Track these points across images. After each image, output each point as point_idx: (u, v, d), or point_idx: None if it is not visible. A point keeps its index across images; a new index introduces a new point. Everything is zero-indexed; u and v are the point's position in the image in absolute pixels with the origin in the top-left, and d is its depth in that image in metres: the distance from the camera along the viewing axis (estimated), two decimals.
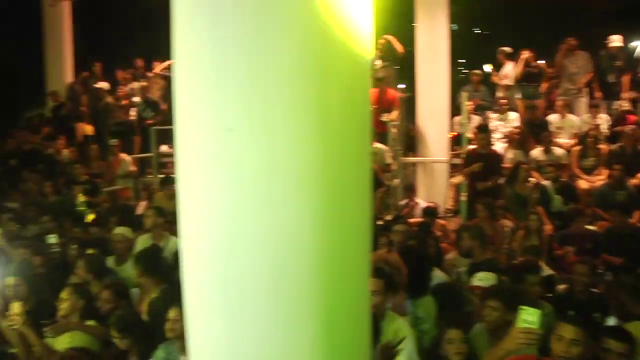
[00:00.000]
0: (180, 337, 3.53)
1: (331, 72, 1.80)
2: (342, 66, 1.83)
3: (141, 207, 8.19)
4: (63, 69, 12.90)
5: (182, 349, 3.58)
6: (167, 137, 10.63)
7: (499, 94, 10.18)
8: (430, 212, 7.40)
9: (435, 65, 9.44)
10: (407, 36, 10.05)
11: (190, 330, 2.03)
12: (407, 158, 9.63)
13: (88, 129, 9.69)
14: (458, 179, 8.39)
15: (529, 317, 2.91)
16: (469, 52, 16.72)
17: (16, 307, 4.12)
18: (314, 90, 1.77)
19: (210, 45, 1.78)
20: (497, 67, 10.77)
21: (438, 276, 5.09)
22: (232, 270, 1.83)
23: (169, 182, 7.83)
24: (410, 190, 8.66)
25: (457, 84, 10.85)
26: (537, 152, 8.66)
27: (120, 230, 5.86)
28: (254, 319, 1.82)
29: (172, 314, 3.67)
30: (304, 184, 1.79)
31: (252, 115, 1.76)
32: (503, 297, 3.72)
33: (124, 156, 9.72)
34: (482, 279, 4.38)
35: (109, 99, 11.17)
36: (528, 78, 10.03)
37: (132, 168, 9.69)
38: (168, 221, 6.00)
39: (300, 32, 1.75)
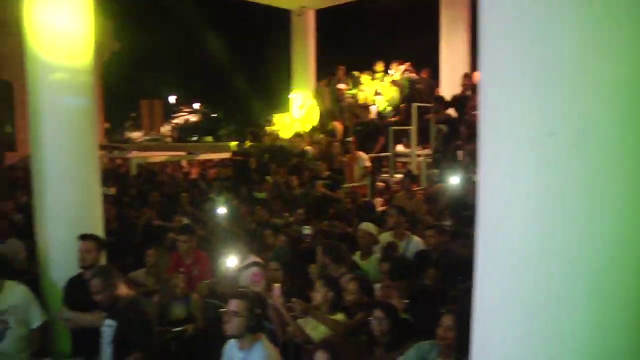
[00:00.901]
0: (449, 344, 3.44)
1: None
2: None
3: (377, 204, 8.42)
4: (308, 72, 13.88)
5: (445, 354, 3.49)
6: (403, 137, 10.82)
7: None
8: None
9: None
10: None
11: (477, 332, 1.97)
12: None
13: (340, 127, 10.26)
14: None
15: None
16: None
17: (276, 289, 4.45)
18: None
19: (532, 42, 1.66)
20: None
21: None
22: (542, 274, 1.72)
23: (410, 182, 7.86)
24: None
25: None
26: None
27: (365, 227, 6.00)
28: (561, 325, 1.70)
29: (447, 320, 3.53)
30: (629, 192, 1.63)
31: (579, 119, 1.61)
32: None
33: (361, 154, 10.05)
34: None
35: (349, 100, 11.67)
36: None
37: (368, 164, 9.98)
38: (408, 220, 6.02)
39: (635, 24, 1.56)
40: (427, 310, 4.33)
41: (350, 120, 10.97)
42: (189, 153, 15.11)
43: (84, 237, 4.85)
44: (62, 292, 4.97)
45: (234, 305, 3.68)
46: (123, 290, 4.19)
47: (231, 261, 5.34)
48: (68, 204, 5.32)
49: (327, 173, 9.38)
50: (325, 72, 13.43)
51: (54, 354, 5.01)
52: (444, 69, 12.61)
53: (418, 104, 10.45)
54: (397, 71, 11.83)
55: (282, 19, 14.57)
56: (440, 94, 10.54)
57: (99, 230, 5.39)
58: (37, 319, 4.69)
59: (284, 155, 10.21)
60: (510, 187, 1.77)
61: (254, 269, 5.06)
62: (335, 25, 16.49)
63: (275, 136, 10.94)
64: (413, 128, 10.34)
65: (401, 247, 5.71)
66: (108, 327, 4.12)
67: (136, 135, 28.99)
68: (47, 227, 5.38)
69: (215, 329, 5.11)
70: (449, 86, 11.81)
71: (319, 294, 4.50)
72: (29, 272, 5.64)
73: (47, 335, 4.99)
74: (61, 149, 5.30)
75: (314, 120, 11.57)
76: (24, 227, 6.60)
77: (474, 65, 11.87)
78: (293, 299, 4.41)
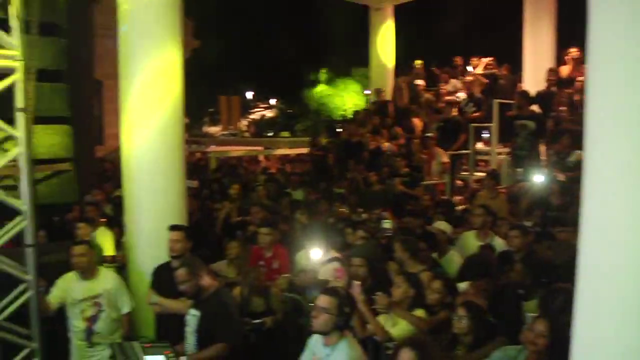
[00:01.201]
0: (539, 351, 3.30)
1: None
2: None
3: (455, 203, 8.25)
4: (386, 68, 13.77)
5: None
6: (482, 133, 10.52)
7: None
8: None
9: None
10: None
11: (578, 339, 1.90)
12: None
13: (419, 123, 10.14)
14: None
15: None
16: None
17: (356, 286, 4.41)
18: None
19: None
20: None
21: None
22: None
23: (492, 180, 7.64)
24: None
25: None
26: None
27: (438, 225, 5.96)
28: None
29: (540, 325, 3.36)
30: None
31: None
32: None
33: (439, 150, 9.87)
34: None
35: (427, 96, 11.47)
36: None
37: (445, 160, 9.78)
38: (492, 220, 5.87)
39: None
40: (509, 311, 4.22)
41: (428, 116, 10.78)
42: (266, 148, 15.37)
43: (173, 228, 5.02)
44: (148, 281, 5.16)
45: (323, 301, 3.53)
46: (207, 280, 4.28)
47: (315, 254, 5.34)
48: (155, 195, 5.50)
49: (405, 170, 9.27)
50: (403, 67, 13.28)
51: (140, 339, 5.22)
52: (527, 65, 12.14)
53: (499, 101, 10.12)
54: (480, 65, 11.50)
55: (360, 14, 14.54)
56: (524, 89, 10.16)
57: (183, 221, 5.55)
58: (126, 305, 4.96)
59: (360, 151, 10.17)
60: (624, 188, 1.68)
61: (336, 264, 5.05)
62: (414, 20, 16.27)
63: (351, 131, 10.91)
64: (494, 125, 10.01)
65: None
66: (192, 317, 4.23)
67: (214, 130, 29.76)
68: (135, 217, 5.60)
69: (294, 322, 5.18)
70: (532, 82, 11.38)
71: (400, 290, 4.44)
72: (117, 260, 5.90)
73: (133, 322, 5.21)
74: (150, 143, 5.48)
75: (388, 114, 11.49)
76: (113, 218, 6.91)
77: (559, 60, 11.39)
78: (377, 293, 4.36)
